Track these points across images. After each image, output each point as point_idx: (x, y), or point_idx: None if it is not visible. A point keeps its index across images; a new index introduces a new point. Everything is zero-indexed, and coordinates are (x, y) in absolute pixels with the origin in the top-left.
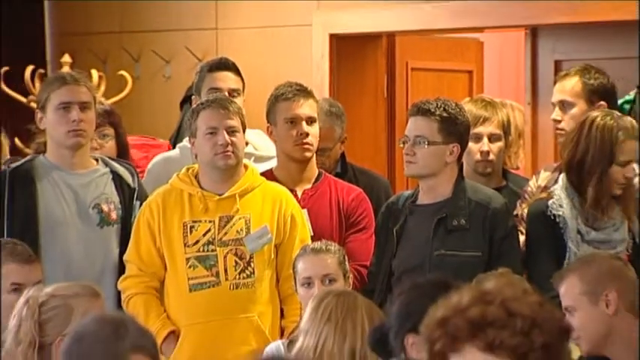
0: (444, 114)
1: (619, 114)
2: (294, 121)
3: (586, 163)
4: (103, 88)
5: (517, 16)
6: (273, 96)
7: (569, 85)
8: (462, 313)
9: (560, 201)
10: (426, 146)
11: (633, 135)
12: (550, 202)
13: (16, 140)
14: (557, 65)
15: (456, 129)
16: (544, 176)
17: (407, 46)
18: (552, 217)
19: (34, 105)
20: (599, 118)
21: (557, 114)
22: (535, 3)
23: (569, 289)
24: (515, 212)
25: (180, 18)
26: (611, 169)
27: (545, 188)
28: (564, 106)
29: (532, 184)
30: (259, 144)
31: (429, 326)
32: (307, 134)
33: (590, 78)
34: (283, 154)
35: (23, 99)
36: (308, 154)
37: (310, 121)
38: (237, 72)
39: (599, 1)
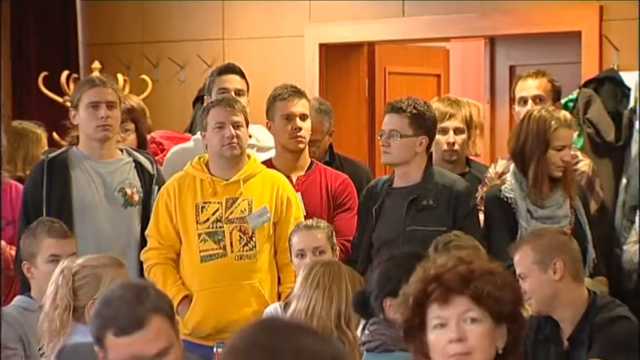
0: (414, 111)
1: (553, 108)
2: (289, 117)
3: (526, 150)
4: (127, 90)
5: (477, 28)
6: (271, 96)
7: (542, 84)
8: (452, 269)
9: (511, 185)
10: (398, 139)
11: (567, 124)
12: (503, 187)
13: (54, 134)
14: (512, 70)
15: (424, 123)
16: (501, 163)
17: (384, 54)
18: (505, 199)
19: (68, 104)
20: (535, 112)
21: (531, 106)
22: (492, 17)
23: (522, 259)
24: (476, 194)
25: (192, 30)
26: (548, 153)
27: (503, 174)
28: (539, 100)
29: (491, 171)
30: (260, 136)
31: (420, 283)
32: (300, 129)
33: (554, 80)
34: (280, 145)
35: (59, 99)
36: (301, 146)
37: (303, 117)
38: (242, 75)
39: (546, 15)
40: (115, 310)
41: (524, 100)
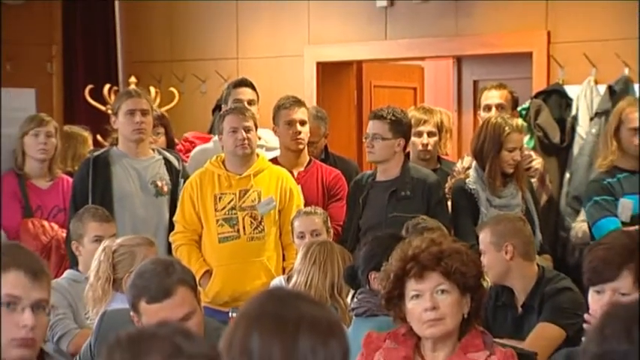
0: (393, 118)
1: (509, 116)
2: (291, 123)
3: (484, 150)
4: (158, 100)
5: (447, 49)
6: (276, 105)
7: (504, 95)
8: (426, 250)
9: (474, 179)
10: (380, 141)
11: (518, 130)
12: (467, 180)
13: (98, 136)
14: (475, 84)
15: (401, 128)
16: (467, 159)
17: (370, 70)
18: (469, 190)
19: (110, 112)
20: (492, 119)
21: (495, 113)
22: (459, 40)
23: (483, 238)
24: (446, 186)
25: (211, 50)
26: (502, 153)
27: (468, 168)
28: (501, 108)
29: (459, 165)
30: (268, 138)
31: (399, 261)
32: (300, 132)
33: (513, 92)
34: (284, 146)
35: (103, 107)
36: (301, 147)
37: (302, 123)
38: (253, 88)
39: (503, 39)
40: (147, 282)
41: (488, 108)
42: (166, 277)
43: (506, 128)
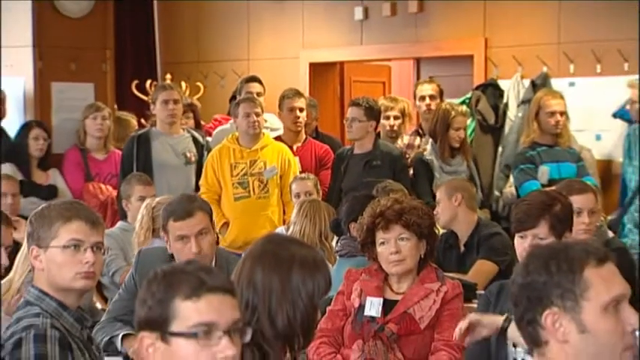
0: (367, 105)
1: (455, 103)
2: (292, 109)
3: (436, 129)
4: (187, 92)
5: (409, 52)
6: (281, 95)
7: (434, 87)
8: (390, 207)
9: (429, 152)
10: (358, 123)
11: (462, 114)
12: (425, 153)
13: (141, 120)
14: (430, 79)
15: (373, 113)
16: (406, 138)
17: (350, 69)
18: (426, 161)
19: (150, 101)
20: (442, 105)
21: (429, 101)
22: (418, 45)
23: (439, 192)
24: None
25: (228, 53)
26: (449, 132)
27: (408, 145)
28: (432, 97)
29: (399, 143)
30: (272, 121)
31: (370, 216)
32: (299, 117)
33: (439, 85)
34: (286, 127)
35: (145, 97)
36: (299, 128)
37: (301, 110)
38: (260, 82)
39: (451, 45)
40: (175, 206)
41: (422, 98)
42: (189, 203)
43: (453, 112)
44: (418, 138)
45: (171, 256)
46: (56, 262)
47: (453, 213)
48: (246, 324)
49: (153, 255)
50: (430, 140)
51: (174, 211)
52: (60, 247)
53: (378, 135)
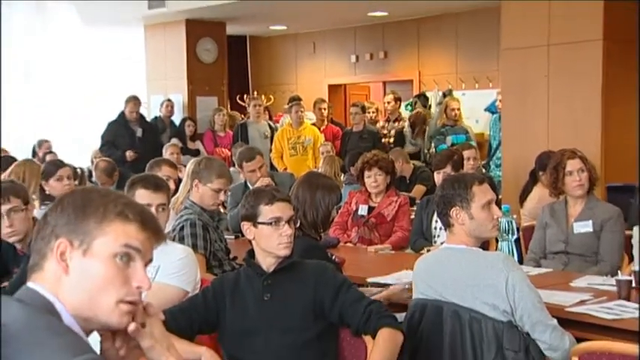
0: (360, 105)
1: (423, 109)
2: (320, 109)
3: (416, 123)
4: (265, 101)
5: (379, 79)
6: (314, 101)
7: (394, 97)
8: (371, 158)
9: (407, 131)
10: (356, 115)
11: (429, 116)
12: (404, 130)
13: (242, 115)
14: (393, 93)
15: (364, 110)
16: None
17: (349, 88)
18: (403, 134)
19: (246, 105)
20: (422, 111)
21: (391, 103)
22: (385, 74)
23: (394, 156)
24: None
25: (284, 79)
26: (425, 126)
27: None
28: (393, 101)
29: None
30: (310, 115)
31: (361, 163)
32: (323, 113)
33: (397, 94)
34: (317, 118)
35: (243, 104)
36: (323, 118)
37: (324, 109)
38: (300, 99)
39: (402, 73)
40: (244, 154)
41: (388, 102)
42: (252, 151)
43: (426, 115)
44: (387, 123)
45: (246, 184)
46: (207, 193)
47: (401, 166)
48: (295, 218)
49: (238, 187)
50: (409, 127)
51: (243, 154)
52: (209, 187)
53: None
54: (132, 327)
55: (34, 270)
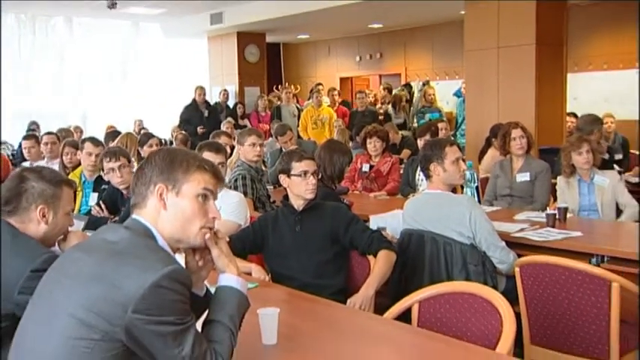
0: (364, 93)
1: (402, 91)
2: (332, 95)
3: (395, 102)
4: (293, 89)
5: (376, 72)
6: (328, 89)
7: (387, 85)
8: (372, 129)
9: (390, 110)
10: (361, 100)
11: (405, 97)
12: (389, 110)
13: (278, 101)
14: (387, 83)
15: (367, 96)
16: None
17: (354, 80)
18: (389, 114)
19: (280, 94)
20: (398, 92)
21: (385, 92)
22: (380, 70)
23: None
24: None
25: (307, 73)
26: (401, 103)
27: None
28: (387, 90)
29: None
30: (326, 100)
31: (364, 133)
32: (335, 97)
33: (390, 85)
34: (330, 101)
35: (278, 92)
36: (335, 101)
37: (337, 94)
38: (321, 84)
39: (395, 68)
40: (278, 128)
41: (383, 89)
42: (284, 127)
43: (402, 96)
44: (382, 105)
45: (281, 149)
46: (247, 149)
47: (392, 135)
48: (317, 172)
49: (275, 151)
50: (392, 107)
51: (279, 131)
52: (246, 145)
53: (366, 104)
54: (208, 235)
55: (137, 207)
